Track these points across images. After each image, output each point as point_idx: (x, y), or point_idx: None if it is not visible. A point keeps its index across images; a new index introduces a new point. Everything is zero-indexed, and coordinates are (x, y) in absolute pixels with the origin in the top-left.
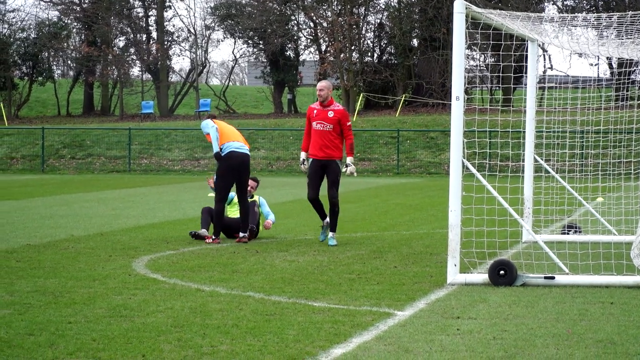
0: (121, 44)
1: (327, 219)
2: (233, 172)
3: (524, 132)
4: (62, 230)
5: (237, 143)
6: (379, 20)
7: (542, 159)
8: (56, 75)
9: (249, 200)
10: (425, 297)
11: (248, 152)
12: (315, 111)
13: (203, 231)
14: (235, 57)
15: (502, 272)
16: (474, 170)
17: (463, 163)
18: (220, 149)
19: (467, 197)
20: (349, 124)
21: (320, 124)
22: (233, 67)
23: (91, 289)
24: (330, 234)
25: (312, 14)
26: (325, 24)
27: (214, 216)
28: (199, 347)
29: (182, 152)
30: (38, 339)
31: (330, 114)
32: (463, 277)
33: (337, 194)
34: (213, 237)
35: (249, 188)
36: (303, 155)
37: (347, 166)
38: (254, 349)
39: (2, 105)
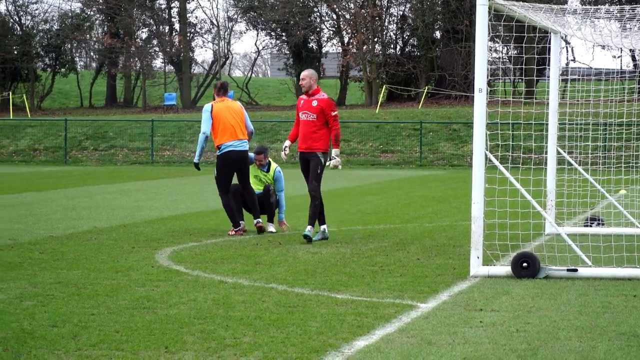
0: (144, 35)
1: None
2: (231, 167)
3: (547, 124)
4: (85, 221)
5: (236, 141)
6: (401, 12)
7: (564, 152)
8: (79, 67)
9: (266, 175)
10: (448, 290)
11: (246, 148)
12: (302, 101)
13: (242, 224)
14: (257, 48)
15: (524, 264)
16: (496, 163)
17: (486, 155)
18: (219, 148)
19: (490, 190)
20: (333, 113)
21: (304, 113)
22: (256, 59)
23: (114, 280)
24: (308, 227)
25: (335, 6)
26: (348, 16)
27: (224, 208)
28: (222, 338)
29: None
30: (61, 331)
31: (314, 103)
32: (486, 269)
33: (317, 187)
34: (234, 229)
35: (258, 163)
36: (287, 142)
37: (331, 159)
38: (276, 340)
39: (25, 97)
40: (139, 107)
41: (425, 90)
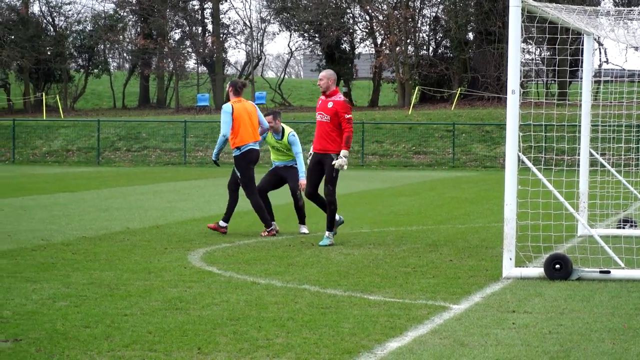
0: (177, 36)
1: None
2: (252, 167)
3: (580, 126)
4: (118, 222)
5: (254, 142)
6: (434, 14)
7: (597, 153)
8: (112, 68)
9: (280, 142)
10: (480, 291)
11: (259, 148)
12: (320, 101)
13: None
14: (290, 50)
15: (557, 266)
16: (529, 164)
17: (519, 157)
18: (239, 148)
19: (523, 191)
20: (347, 116)
21: (320, 114)
22: (289, 60)
23: (147, 281)
24: (327, 233)
25: (368, 7)
26: (380, 17)
27: (255, 209)
28: (255, 340)
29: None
30: (94, 331)
31: (329, 105)
32: (518, 270)
33: (333, 191)
34: (266, 230)
35: (267, 127)
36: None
37: (337, 158)
38: (309, 342)
39: (58, 97)
40: (172, 108)
41: (458, 92)
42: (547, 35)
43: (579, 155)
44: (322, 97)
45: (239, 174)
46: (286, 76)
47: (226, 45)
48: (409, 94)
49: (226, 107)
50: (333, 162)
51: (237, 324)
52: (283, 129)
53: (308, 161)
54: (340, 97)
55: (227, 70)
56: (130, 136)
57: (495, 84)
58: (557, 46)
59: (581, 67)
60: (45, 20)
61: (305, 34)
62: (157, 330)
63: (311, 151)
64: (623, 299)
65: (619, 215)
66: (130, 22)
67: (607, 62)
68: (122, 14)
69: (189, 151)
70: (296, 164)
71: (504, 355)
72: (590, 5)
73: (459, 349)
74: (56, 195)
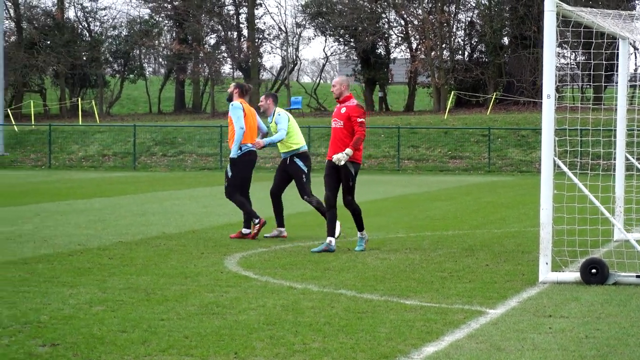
0: (212, 41)
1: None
2: (250, 167)
3: (615, 130)
4: (154, 227)
5: (251, 144)
6: (469, 19)
7: (633, 157)
8: (147, 73)
9: (270, 124)
10: (517, 295)
11: None
12: (335, 108)
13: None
14: (326, 54)
15: (593, 270)
16: (565, 169)
17: (554, 161)
18: (240, 149)
19: (559, 196)
20: (359, 120)
21: (334, 120)
22: (324, 65)
23: (183, 286)
24: (359, 233)
25: (403, 12)
26: (416, 22)
27: (241, 207)
28: (291, 344)
29: (273, 149)
30: (130, 336)
31: (342, 110)
32: (555, 275)
33: (352, 200)
34: (256, 223)
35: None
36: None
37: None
38: (346, 346)
39: (94, 102)
40: (208, 113)
41: (494, 97)
42: (582, 40)
43: (614, 159)
44: (338, 104)
45: (230, 173)
46: (322, 81)
47: (261, 50)
48: (444, 99)
49: (237, 103)
50: (336, 158)
51: (273, 329)
52: (275, 112)
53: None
54: (353, 102)
55: (262, 75)
56: (166, 141)
57: (530, 89)
58: (592, 50)
59: (616, 71)
60: (80, 26)
61: (341, 39)
62: (193, 335)
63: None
64: None
65: None
66: (165, 27)
67: None
68: (157, 19)
69: (224, 156)
70: (297, 155)
71: (541, 359)
72: (626, 10)
73: (495, 354)
74: (92, 200)
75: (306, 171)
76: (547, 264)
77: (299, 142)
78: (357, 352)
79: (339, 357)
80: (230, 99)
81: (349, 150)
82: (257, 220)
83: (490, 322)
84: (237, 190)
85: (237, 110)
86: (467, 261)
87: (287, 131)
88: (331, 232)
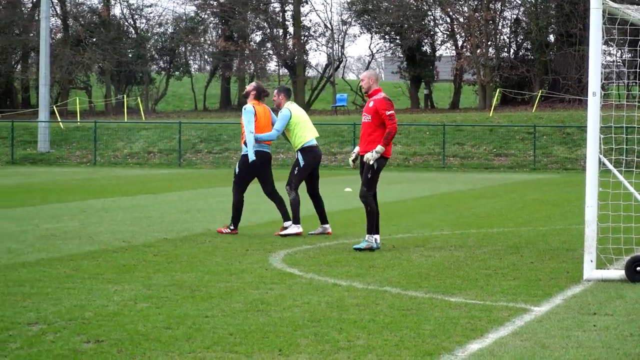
0: (258, 38)
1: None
2: (256, 169)
3: None
4: (199, 224)
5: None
6: (515, 16)
7: None
8: (193, 70)
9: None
10: (561, 293)
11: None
12: (366, 103)
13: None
14: (371, 52)
15: (638, 268)
16: (610, 167)
17: (600, 159)
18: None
19: (604, 193)
20: (388, 113)
21: (364, 115)
22: (369, 62)
23: (228, 283)
24: (367, 236)
25: (449, 9)
26: (461, 19)
27: (235, 206)
28: (336, 341)
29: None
30: (175, 333)
31: (370, 104)
32: (599, 273)
33: (367, 193)
34: (231, 227)
35: (273, 98)
36: (356, 149)
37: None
38: (390, 343)
39: (139, 99)
40: None
41: (539, 94)
42: (629, 37)
43: None
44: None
45: (238, 170)
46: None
47: (307, 47)
48: (489, 96)
49: (249, 107)
50: (367, 157)
51: (318, 326)
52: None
53: (351, 161)
54: (380, 95)
55: (308, 73)
56: (211, 138)
57: (576, 86)
58: (638, 48)
59: None
60: (126, 23)
61: (386, 36)
62: (238, 331)
63: (355, 150)
64: None
65: None
66: (211, 24)
67: None
68: (203, 16)
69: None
70: (301, 149)
71: (585, 357)
72: None
73: (539, 351)
74: (137, 197)
75: (302, 165)
76: (591, 261)
77: (305, 137)
78: (401, 349)
79: (384, 354)
80: (246, 96)
81: (379, 148)
82: (232, 227)
83: (534, 320)
84: (245, 188)
85: (249, 115)
86: (511, 259)
87: (291, 128)
88: (370, 229)
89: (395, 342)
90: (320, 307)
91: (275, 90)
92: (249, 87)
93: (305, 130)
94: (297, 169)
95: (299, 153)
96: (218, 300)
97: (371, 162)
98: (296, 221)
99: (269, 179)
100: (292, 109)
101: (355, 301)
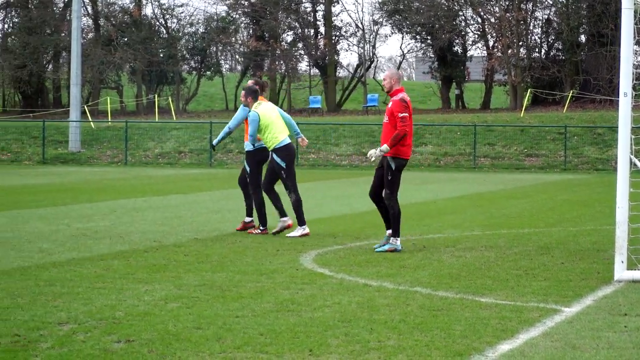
0: (289, 38)
1: (389, 231)
2: (262, 165)
3: None
4: (230, 224)
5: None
6: (546, 16)
7: None
8: (224, 70)
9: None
10: (592, 294)
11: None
12: None
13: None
14: (402, 52)
15: None
16: None
17: (630, 159)
18: (253, 145)
19: (635, 194)
20: (400, 115)
21: (385, 116)
22: (401, 62)
23: (258, 283)
24: (391, 238)
25: (480, 10)
26: (493, 20)
27: (257, 207)
28: (366, 342)
29: (350, 147)
30: (205, 333)
31: (389, 105)
32: (630, 273)
33: (390, 195)
34: (261, 227)
35: (241, 98)
36: (384, 146)
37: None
38: (421, 344)
39: (170, 99)
40: (284, 110)
41: (570, 94)
42: None
43: None
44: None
45: (248, 169)
46: None
47: (338, 47)
48: (520, 97)
49: (253, 115)
50: (369, 154)
51: (348, 326)
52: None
53: (374, 154)
54: (398, 96)
55: (339, 72)
56: (242, 138)
57: (607, 87)
58: None
59: None
60: (157, 23)
61: (417, 36)
62: (268, 332)
63: (383, 147)
64: None
65: None
66: (242, 24)
67: None
68: (234, 16)
69: (300, 153)
70: (275, 150)
71: (616, 358)
72: None
73: (570, 352)
74: (168, 197)
75: (284, 166)
76: (622, 262)
77: (277, 138)
78: (431, 349)
79: (414, 354)
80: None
81: (384, 147)
82: (262, 228)
83: (565, 321)
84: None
85: (253, 123)
86: (542, 259)
87: (262, 130)
88: (394, 232)
89: (426, 343)
90: (351, 308)
91: (243, 91)
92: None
93: (277, 132)
94: (282, 172)
95: (274, 154)
96: (248, 301)
97: (372, 159)
98: (301, 223)
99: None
100: (259, 110)
101: (386, 301)
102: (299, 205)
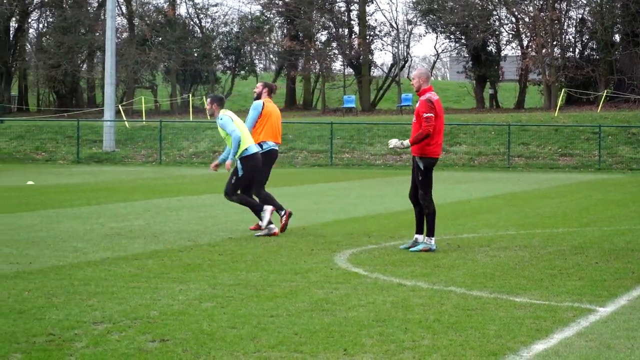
0: (323, 38)
1: (417, 235)
2: (270, 165)
3: None
4: None
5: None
6: (580, 16)
7: None
8: (258, 69)
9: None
10: (627, 294)
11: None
12: None
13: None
14: (437, 51)
15: None
16: None
17: None
18: (262, 146)
19: None
20: (425, 115)
21: (414, 116)
22: (435, 62)
23: (293, 282)
24: (426, 239)
25: (514, 9)
26: (527, 19)
27: (264, 203)
28: (401, 341)
29: (384, 146)
30: (240, 332)
31: (417, 105)
32: None
33: (424, 196)
34: (281, 213)
35: (207, 107)
36: (407, 142)
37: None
38: (455, 343)
39: (205, 99)
40: (318, 110)
41: (604, 94)
42: None
43: None
44: None
45: (240, 173)
46: (432, 78)
47: (372, 47)
48: (555, 96)
49: (256, 104)
50: (390, 142)
51: (383, 326)
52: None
53: (395, 145)
54: (425, 96)
55: (373, 72)
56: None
57: None
58: None
59: None
60: (192, 22)
61: (452, 36)
62: (303, 331)
63: (406, 142)
64: None
65: None
66: (276, 24)
67: None
68: (268, 15)
69: (335, 153)
70: (242, 158)
71: None
72: None
73: (605, 352)
74: (203, 197)
75: (240, 175)
76: None
77: (243, 144)
78: (466, 349)
79: (448, 354)
80: (259, 97)
81: (406, 142)
82: (282, 212)
83: (600, 320)
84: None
85: (255, 110)
86: (576, 259)
87: (227, 136)
88: (429, 232)
89: (460, 342)
90: (385, 307)
91: (209, 99)
92: (259, 87)
93: (243, 139)
94: (233, 177)
95: (239, 162)
96: (283, 300)
97: (390, 146)
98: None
99: (264, 179)
100: (229, 115)
101: (420, 301)
102: (250, 204)
